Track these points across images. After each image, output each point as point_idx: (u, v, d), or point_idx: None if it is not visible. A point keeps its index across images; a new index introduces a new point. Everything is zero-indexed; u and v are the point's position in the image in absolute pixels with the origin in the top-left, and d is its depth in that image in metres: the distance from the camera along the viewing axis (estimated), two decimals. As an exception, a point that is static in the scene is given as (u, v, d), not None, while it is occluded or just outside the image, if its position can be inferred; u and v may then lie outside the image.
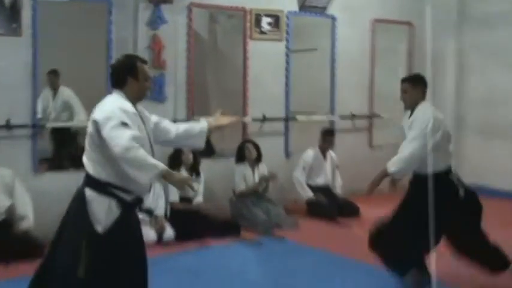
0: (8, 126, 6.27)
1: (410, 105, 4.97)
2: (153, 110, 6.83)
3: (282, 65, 8.28)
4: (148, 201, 6.63)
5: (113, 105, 3.47)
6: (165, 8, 7.07)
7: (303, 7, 8.40)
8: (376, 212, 7.69)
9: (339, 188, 8.18)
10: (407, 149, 4.86)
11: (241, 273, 5.66)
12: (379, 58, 9.29)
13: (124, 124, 3.37)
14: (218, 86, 8.69)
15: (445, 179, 4.82)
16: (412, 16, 9.43)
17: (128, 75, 3.61)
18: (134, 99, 3.63)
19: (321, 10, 8.63)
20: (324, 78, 8.82)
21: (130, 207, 3.59)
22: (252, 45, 7.95)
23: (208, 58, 8.69)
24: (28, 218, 6.02)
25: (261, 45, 8.01)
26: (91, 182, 3.44)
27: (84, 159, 3.52)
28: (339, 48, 8.83)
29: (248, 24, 7.92)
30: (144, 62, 3.76)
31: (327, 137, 8.09)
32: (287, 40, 8.27)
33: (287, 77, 8.31)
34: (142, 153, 3.34)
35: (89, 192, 3.42)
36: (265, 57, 8.05)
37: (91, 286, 3.44)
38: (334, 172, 8.20)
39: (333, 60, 8.82)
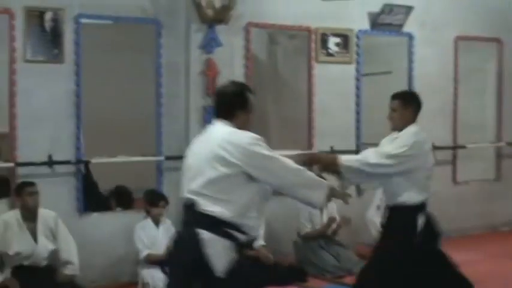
0: (51, 162, 6.20)
1: (399, 127, 4.79)
2: None
3: (351, 90, 8.03)
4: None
5: (250, 135, 3.47)
6: (219, 29, 6.82)
7: (376, 25, 8.11)
8: (461, 256, 7.10)
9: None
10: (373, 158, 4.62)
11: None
12: (463, 80, 8.95)
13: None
14: (280, 115, 8.62)
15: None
16: (500, 31, 9.18)
17: (238, 108, 3.58)
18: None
19: (397, 28, 8.30)
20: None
21: (243, 249, 3.59)
22: (317, 68, 7.73)
23: (268, 84, 8.55)
24: (73, 263, 5.85)
25: (328, 68, 7.78)
26: (206, 221, 3.39)
27: (194, 194, 3.45)
28: (417, 70, 8.53)
29: (313, 45, 7.72)
30: (251, 91, 3.74)
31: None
32: (357, 62, 8.04)
33: (358, 104, 8.08)
34: (310, 173, 3.60)
35: (205, 234, 3.37)
36: (332, 82, 7.81)
37: None
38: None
39: (410, 84, 8.48)
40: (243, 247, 3.57)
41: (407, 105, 4.84)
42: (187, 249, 3.46)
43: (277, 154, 3.50)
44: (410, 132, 4.73)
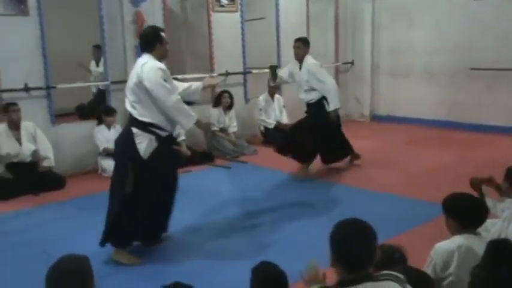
0: (27, 88, 6.09)
1: (301, 58, 5.70)
2: None
3: (238, 31, 8.05)
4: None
5: (154, 66, 3.57)
6: (144, -11, 6.74)
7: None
8: None
9: (285, 121, 8.11)
10: (329, 85, 5.64)
11: (216, 189, 5.73)
12: (312, 22, 9.07)
13: (166, 81, 3.59)
14: (190, 50, 8.60)
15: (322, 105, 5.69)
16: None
17: (156, 42, 3.67)
18: (161, 60, 3.70)
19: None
20: (270, 40, 8.68)
21: (165, 141, 3.71)
22: (214, 16, 7.72)
23: (181, 29, 8.50)
24: (49, 158, 5.97)
25: (221, 16, 7.78)
26: (136, 122, 3.60)
27: (129, 106, 3.66)
28: (282, 16, 8.60)
29: (210, 0, 7.66)
30: (163, 30, 3.82)
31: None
32: (241, 11, 8.02)
33: (243, 40, 8.11)
34: (186, 106, 3.66)
35: (135, 130, 3.58)
36: (224, 25, 7.82)
37: (135, 198, 3.61)
38: (281, 111, 8.17)
39: (277, 27, 8.59)
40: (164, 139, 3.69)
41: (305, 44, 5.75)
42: (124, 140, 3.67)
43: (166, 84, 3.56)
44: (310, 60, 5.71)
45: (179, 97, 3.66)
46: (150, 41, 3.70)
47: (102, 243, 3.75)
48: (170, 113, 3.61)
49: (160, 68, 3.59)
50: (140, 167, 3.59)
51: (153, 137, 3.61)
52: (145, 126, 3.60)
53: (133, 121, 3.64)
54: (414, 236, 3.91)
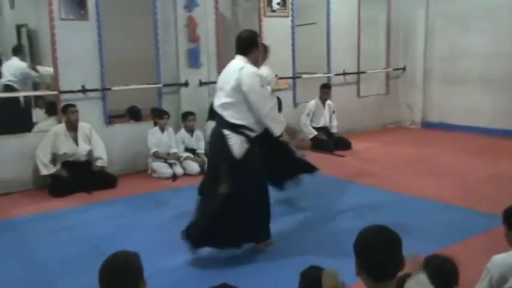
0: (84, 90, 6.25)
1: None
2: (191, 74, 7.02)
3: (289, 36, 8.01)
4: (192, 143, 6.68)
5: (253, 72, 3.63)
6: (197, -6, 6.87)
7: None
8: (363, 145, 7.85)
9: (335, 128, 8.11)
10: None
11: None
12: (364, 27, 8.98)
13: (262, 87, 3.64)
14: None
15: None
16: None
17: (253, 46, 3.74)
18: (254, 64, 3.74)
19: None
20: (321, 45, 8.61)
21: (254, 141, 3.73)
22: (265, 21, 7.69)
23: (232, 34, 8.30)
24: (103, 158, 6.10)
25: (272, 21, 7.75)
26: (227, 124, 3.66)
27: (220, 108, 3.70)
28: (333, 21, 8.54)
29: (262, 5, 7.67)
30: (259, 36, 3.93)
31: (325, 90, 8.02)
32: (292, 16, 7.98)
33: (293, 45, 8.06)
34: (277, 113, 3.81)
35: (226, 132, 3.63)
36: (275, 30, 7.77)
37: (232, 197, 3.61)
38: (331, 116, 8.10)
39: (328, 32, 8.56)
40: (253, 140, 3.72)
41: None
42: (218, 142, 3.70)
43: (263, 91, 3.66)
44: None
45: (272, 105, 3.74)
46: (248, 44, 3.76)
47: (195, 243, 3.73)
48: (263, 119, 3.67)
49: (258, 74, 3.66)
50: (235, 167, 3.62)
51: (243, 139, 3.66)
52: (236, 128, 3.66)
53: (224, 123, 3.69)
54: (467, 247, 3.78)
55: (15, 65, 7.21)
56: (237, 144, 3.64)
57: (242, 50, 3.75)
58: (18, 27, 8.22)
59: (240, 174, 3.63)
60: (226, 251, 3.81)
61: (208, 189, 3.76)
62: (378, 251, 1.83)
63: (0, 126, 6.35)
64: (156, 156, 6.42)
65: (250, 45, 3.74)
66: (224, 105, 3.70)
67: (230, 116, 3.67)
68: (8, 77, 7.11)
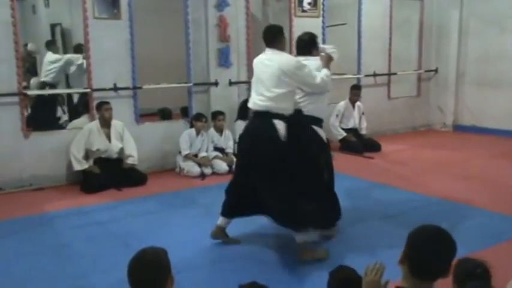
0: (116, 88, 6.33)
1: None
2: (221, 74, 7.03)
3: (319, 36, 7.84)
4: (221, 143, 6.71)
5: (295, 58, 3.88)
6: (227, -6, 6.89)
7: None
8: (393, 147, 7.76)
9: (364, 130, 8.03)
10: None
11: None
12: (396, 28, 8.89)
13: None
14: None
15: None
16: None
17: (313, 47, 4.04)
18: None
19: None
20: (352, 46, 8.54)
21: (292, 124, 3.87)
22: (296, 21, 7.65)
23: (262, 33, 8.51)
24: (134, 156, 6.17)
25: (303, 21, 7.66)
26: (272, 115, 3.76)
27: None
28: (364, 22, 8.49)
29: (292, 5, 7.66)
30: (317, 37, 4.20)
31: (355, 91, 7.94)
32: (323, 16, 7.96)
33: None
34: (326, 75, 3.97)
35: (275, 121, 3.74)
36: (306, 31, 7.74)
37: (283, 174, 3.69)
38: (360, 118, 8.02)
39: (359, 32, 8.50)
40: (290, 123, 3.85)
41: None
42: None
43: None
44: None
45: (322, 74, 3.88)
46: (308, 44, 4.06)
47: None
48: (319, 89, 3.89)
49: (300, 62, 3.81)
50: (281, 148, 3.73)
51: (284, 124, 3.80)
52: (279, 116, 3.78)
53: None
54: (500, 252, 3.69)
55: (49, 59, 7.37)
56: (282, 130, 3.76)
57: (302, 50, 4.04)
58: (53, 26, 8.39)
59: (326, 154, 4.07)
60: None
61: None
62: (433, 254, 1.82)
63: (36, 122, 6.51)
64: (187, 158, 6.47)
65: (310, 46, 4.04)
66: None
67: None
68: (44, 74, 7.27)
